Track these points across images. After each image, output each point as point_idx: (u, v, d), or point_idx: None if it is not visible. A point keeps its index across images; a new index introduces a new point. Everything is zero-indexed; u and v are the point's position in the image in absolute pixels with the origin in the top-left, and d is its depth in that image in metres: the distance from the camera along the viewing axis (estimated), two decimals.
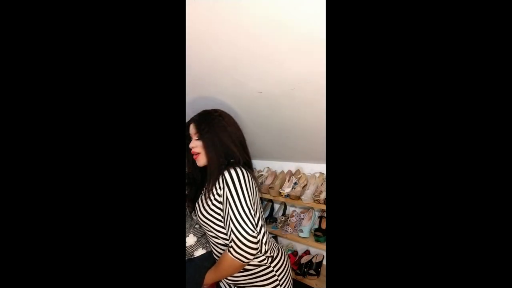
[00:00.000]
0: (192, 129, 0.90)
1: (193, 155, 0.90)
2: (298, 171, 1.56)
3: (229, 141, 0.86)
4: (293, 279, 1.14)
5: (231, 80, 0.98)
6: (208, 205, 0.83)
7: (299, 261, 1.52)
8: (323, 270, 1.46)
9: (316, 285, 1.37)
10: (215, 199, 0.81)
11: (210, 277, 0.85)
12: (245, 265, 0.78)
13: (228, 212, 0.75)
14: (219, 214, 0.81)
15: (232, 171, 0.78)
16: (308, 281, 1.39)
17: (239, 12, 0.66)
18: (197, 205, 0.89)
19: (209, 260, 0.93)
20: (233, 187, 0.76)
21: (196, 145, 0.88)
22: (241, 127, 0.96)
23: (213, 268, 0.86)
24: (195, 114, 0.94)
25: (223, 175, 0.78)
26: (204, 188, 0.89)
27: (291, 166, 1.60)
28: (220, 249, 0.87)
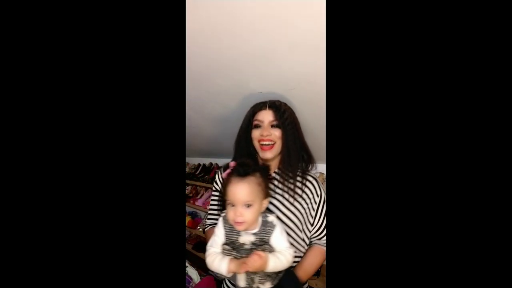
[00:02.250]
0: (267, 115, 0.80)
1: (256, 144, 0.81)
2: None
3: (302, 135, 0.84)
4: None
5: (231, 80, 0.98)
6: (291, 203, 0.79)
7: None
8: (323, 271, 1.46)
9: (316, 285, 1.37)
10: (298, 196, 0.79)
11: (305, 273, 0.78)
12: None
13: (321, 211, 0.81)
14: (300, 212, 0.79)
15: (316, 177, 0.84)
16: (308, 281, 1.39)
17: (239, 12, 0.66)
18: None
19: None
20: (324, 190, 0.83)
21: (271, 133, 0.78)
22: None
23: (304, 263, 0.79)
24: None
25: (315, 179, 0.83)
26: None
27: None
28: (300, 251, 0.80)
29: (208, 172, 2.19)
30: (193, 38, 0.78)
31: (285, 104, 0.85)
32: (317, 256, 0.80)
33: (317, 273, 1.40)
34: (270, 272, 0.66)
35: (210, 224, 0.89)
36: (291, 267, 0.73)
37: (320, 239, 0.82)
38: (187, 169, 2.49)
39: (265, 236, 0.67)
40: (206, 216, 0.91)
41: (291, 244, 0.73)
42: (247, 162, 0.72)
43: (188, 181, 2.29)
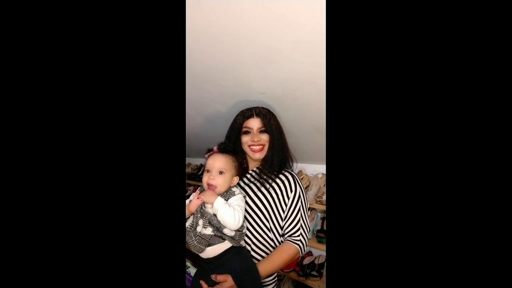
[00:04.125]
0: (256, 123, 0.91)
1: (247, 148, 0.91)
2: (300, 172, 1.56)
3: (285, 138, 0.95)
4: (295, 280, 1.14)
5: (233, 81, 0.98)
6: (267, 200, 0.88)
7: (302, 262, 1.52)
8: (325, 272, 1.46)
9: (318, 286, 1.36)
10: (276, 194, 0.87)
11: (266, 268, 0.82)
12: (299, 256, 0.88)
13: (300, 209, 0.88)
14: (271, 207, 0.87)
15: (294, 174, 0.92)
16: (310, 282, 1.39)
17: (241, 12, 0.66)
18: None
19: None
20: (302, 187, 0.90)
21: (260, 138, 0.90)
22: None
23: (271, 256, 0.83)
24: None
25: (292, 175, 0.90)
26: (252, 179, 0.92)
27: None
28: (265, 241, 0.85)
29: None
30: (196, 39, 0.79)
31: (269, 111, 0.95)
32: (285, 252, 0.84)
33: (320, 274, 1.40)
34: (211, 217, 0.75)
35: None
36: (256, 260, 0.84)
37: (291, 235, 0.86)
38: (189, 170, 2.50)
39: (224, 198, 0.78)
40: None
41: (256, 231, 0.85)
42: (228, 143, 0.87)
43: (190, 182, 2.30)
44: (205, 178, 0.80)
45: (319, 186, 1.41)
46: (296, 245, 0.84)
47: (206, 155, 0.84)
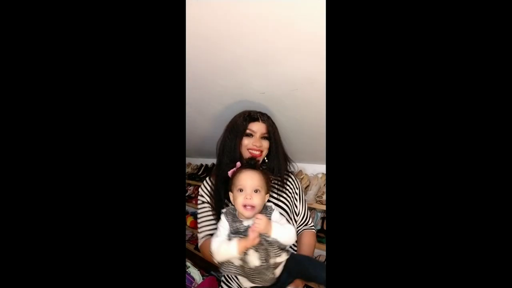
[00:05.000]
0: (261, 127, 0.89)
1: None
2: (300, 171, 1.56)
3: (281, 142, 0.95)
4: None
5: (233, 81, 0.98)
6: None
7: None
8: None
9: (319, 286, 1.36)
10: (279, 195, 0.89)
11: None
12: None
13: (304, 202, 0.96)
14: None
15: (292, 174, 0.97)
16: (310, 282, 1.39)
17: (241, 12, 0.67)
18: None
19: None
20: (301, 186, 0.97)
21: (261, 144, 0.88)
22: None
23: (302, 247, 0.88)
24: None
25: (292, 177, 0.96)
26: None
27: None
28: None
29: (210, 172, 2.20)
30: (196, 39, 0.79)
31: (269, 117, 0.95)
32: (311, 238, 0.92)
33: None
34: (280, 244, 0.68)
35: (204, 236, 0.86)
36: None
37: (306, 225, 0.94)
38: (189, 170, 2.50)
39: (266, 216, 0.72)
40: (198, 233, 0.89)
41: None
42: (254, 159, 0.81)
43: (190, 182, 2.30)
44: (240, 200, 0.71)
45: (319, 186, 1.41)
46: (314, 231, 0.95)
47: (230, 172, 0.78)
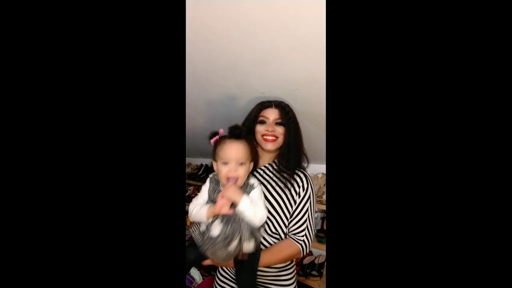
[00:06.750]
0: (273, 113, 0.87)
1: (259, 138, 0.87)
2: None
3: (301, 136, 0.90)
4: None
5: (233, 81, 0.98)
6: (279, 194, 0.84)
7: (302, 262, 1.52)
8: (325, 271, 1.46)
9: (318, 286, 1.36)
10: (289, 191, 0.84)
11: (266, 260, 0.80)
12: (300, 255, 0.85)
13: (308, 209, 0.84)
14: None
15: (307, 174, 0.87)
16: (310, 282, 1.39)
17: (241, 12, 0.67)
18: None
19: None
20: (314, 189, 0.87)
21: (275, 129, 0.86)
22: None
23: (272, 249, 0.82)
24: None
25: (306, 175, 0.86)
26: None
27: None
28: (272, 236, 0.83)
29: (210, 172, 2.19)
30: (196, 39, 0.79)
31: (289, 106, 0.91)
32: (286, 248, 0.81)
33: (320, 274, 1.40)
34: (253, 228, 0.69)
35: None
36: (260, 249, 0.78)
37: (296, 234, 0.83)
38: (189, 170, 2.50)
39: (244, 191, 0.72)
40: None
41: (270, 229, 0.81)
42: (239, 126, 0.76)
43: (190, 182, 2.30)
44: (224, 171, 0.70)
45: (319, 186, 1.41)
46: (299, 245, 0.81)
47: (212, 140, 0.76)
